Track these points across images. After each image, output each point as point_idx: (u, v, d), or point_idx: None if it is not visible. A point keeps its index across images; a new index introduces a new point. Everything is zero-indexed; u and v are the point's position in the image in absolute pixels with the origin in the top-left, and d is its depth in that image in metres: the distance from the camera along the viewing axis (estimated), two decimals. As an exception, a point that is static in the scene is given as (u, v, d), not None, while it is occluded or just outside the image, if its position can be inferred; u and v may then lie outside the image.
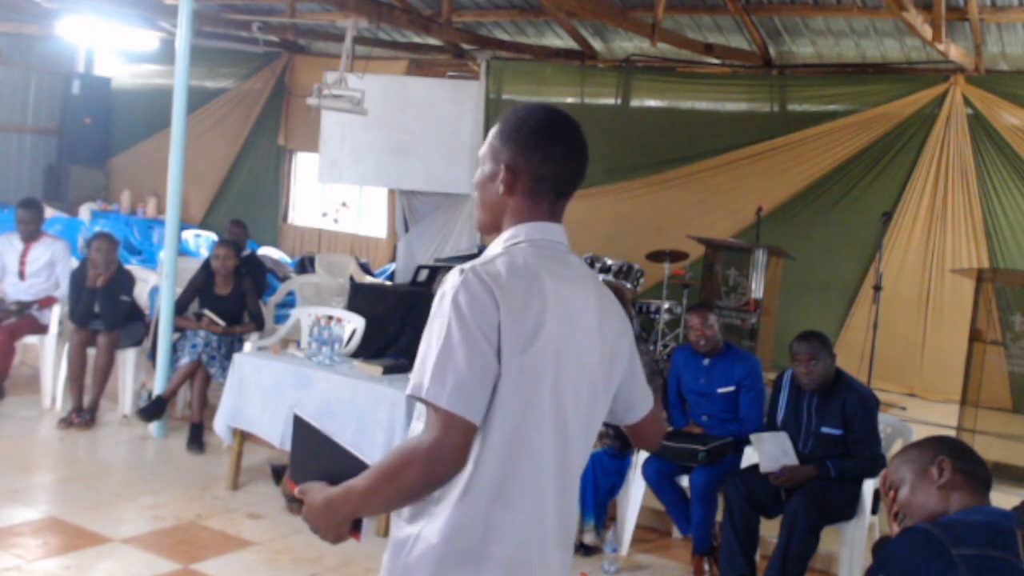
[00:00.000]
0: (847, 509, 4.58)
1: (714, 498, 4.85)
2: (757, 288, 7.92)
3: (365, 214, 13.30)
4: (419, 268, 8.96)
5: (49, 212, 10.33)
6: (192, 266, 7.28)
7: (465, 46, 11.19)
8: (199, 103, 12.87)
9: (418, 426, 1.90)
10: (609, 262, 8.68)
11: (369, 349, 6.05)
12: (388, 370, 5.13)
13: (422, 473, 1.74)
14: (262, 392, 5.27)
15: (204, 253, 10.67)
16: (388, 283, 10.33)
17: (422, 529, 1.84)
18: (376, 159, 10.80)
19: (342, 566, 4.55)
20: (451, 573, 1.82)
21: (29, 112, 14.22)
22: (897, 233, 8.83)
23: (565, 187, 1.97)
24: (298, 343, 6.09)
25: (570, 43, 10.77)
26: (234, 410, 5.38)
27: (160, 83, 13.31)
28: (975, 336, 6.45)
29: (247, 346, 5.89)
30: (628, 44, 10.62)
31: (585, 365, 1.93)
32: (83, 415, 6.31)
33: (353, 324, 6.38)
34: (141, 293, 7.15)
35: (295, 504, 5.16)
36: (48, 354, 6.67)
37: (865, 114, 9.20)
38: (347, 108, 8.91)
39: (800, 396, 4.73)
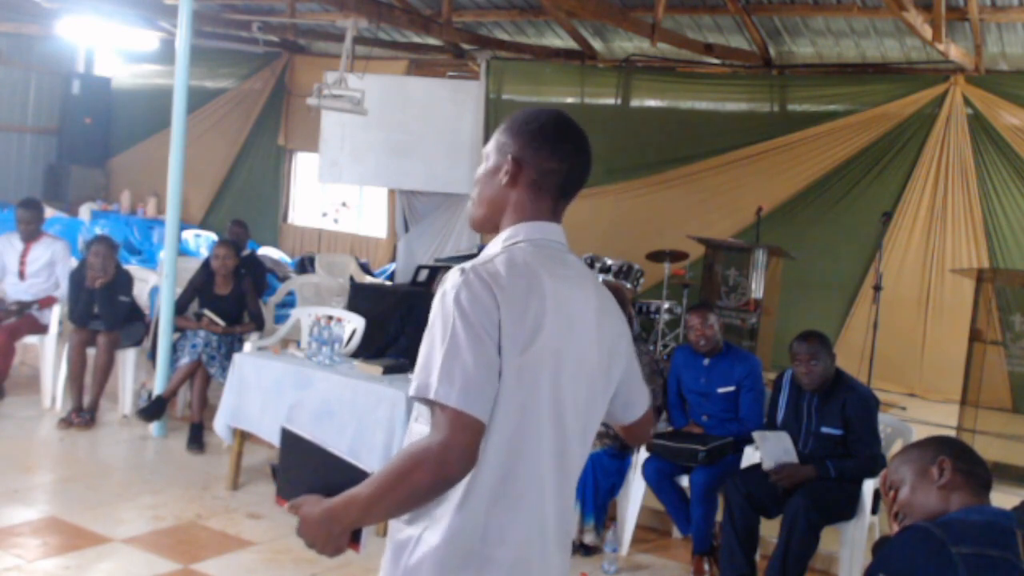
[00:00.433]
0: (847, 509, 4.58)
1: (714, 498, 4.85)
2: (757, 288, 7.92)
3: (365, 214, 13.30)
4: (419, 268, 8.96)
5: (49, 212, 10.33)
6: (192, 266, 7.28)
7: (465, 46, 11.19)
8: (199, 103, 12.87)
9: (417, 427, 1.88)
10: (609, 262, 8.68)
11: (369, 349, 6.05)
12: (388, 370, 5.13)
13: (432, 475, 1.72)
14: (262, 392, 5.27)
15: (204, 253, 10.67)
16: (388, 283, 10.33)
17: (423, 531, 1.83)
18: (376, 159, 10.81)
19: (342, 566, 4.55)
20: (454, 575, 1.81)
21: (29, 112, 14.22)
22: (897, 233, 8.82)
23: (568, 185, 1.97)
24: (298, 343, 6.09)
25: (570, 43, 10.77)
26: (234, 410, 5.38)
27: (160, 83, 13.31)
28: (975, 336, 6.45)
29: (247, 346, 5.89)
30: (628, 44, 10.62)
31: (584, 365, 1.93)
32: (83, 415, 6.31)
33: (353, 324, 6.39)
34: (141, 293, 7.15)
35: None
36: (48, 354, 6.67)
37: (865, 114, 9.20)
38: (347, 108, 8.91)
39: (800, 396, 4.73)
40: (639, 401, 2.15)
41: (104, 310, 6.43)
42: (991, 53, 8.83)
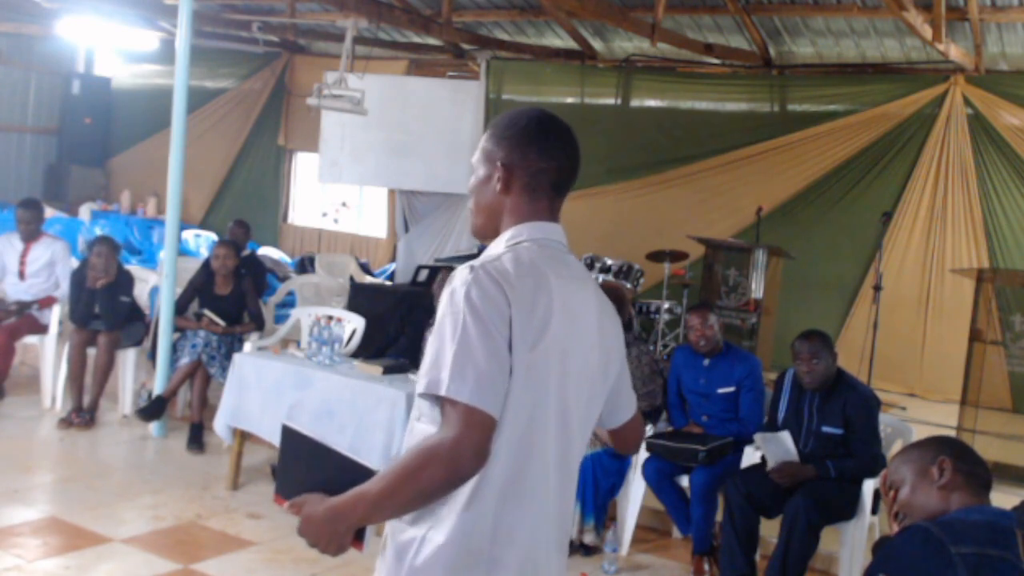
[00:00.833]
0: (847, 509, 4.58)
1: (714, 498, 4.85)
2: (757, 288, 7.91)
3: (365, 214, 13.30)
4: (419, 268, 8.96)
5: (49, 212, 10.33)
6: (192, 266, 7.28)
7: (465, 46, 11.19)
8: (199, 103, 12.86)
9: (419, 426, 1.87)
10: (609, 262, 8.68)
11: (369, 349, 6.05)
12: (388, 370, 5.13)
13: (445, 472, 1.70)
14: (262, 392, 5.27)
15: (204, 253, 10.67)
16: (388, 283, 10.33)
17: (427, 531, 1.82)
18: (376, 159, 10.81)
19: (342, 566, 4.55)
20: (463, 575, 1.80)
21: (29, 112, 14.22)
22: (897, 233, 8.82)
23: (561, 182, 1.97)
24: (298, 343, 6.09)
25: (570, 43, 10.77)
26: (234, 410, 5.38)
27: (160, 83, 13.30)
28: (975, 336, 6.45)
29: (247, 346, 5.89)
30: (628, 44, 10.62)
31: (587, 365, 1.94)
32: (83, 415, 6.31)
33: (353, 324, 6.38)
34: (141, 293, 7.15)
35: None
36: (48, 354, 6.67)
37: (865, 114, 9.20)
38: (347, 108, 8.91)
39: (801, 395, 4.73)
40: (626, 406, 2.14)
41: (105, 310, 6.43)
42: (991, 53, 8.83)
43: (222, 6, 11.63)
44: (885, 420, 4.98)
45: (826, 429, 4.62)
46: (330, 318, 5.59)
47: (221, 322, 6.47)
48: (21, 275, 6.84)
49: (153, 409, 6.16)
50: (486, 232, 2.00)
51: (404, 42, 11.61)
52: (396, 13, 9.43)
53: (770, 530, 4.66)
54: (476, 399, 1.71)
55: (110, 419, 6.56)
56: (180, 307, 6.52)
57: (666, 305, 8.69)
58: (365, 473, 1.83)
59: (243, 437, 5.47)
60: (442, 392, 1.73)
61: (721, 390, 5.19)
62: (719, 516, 4.80)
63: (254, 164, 13.48)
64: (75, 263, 6.98)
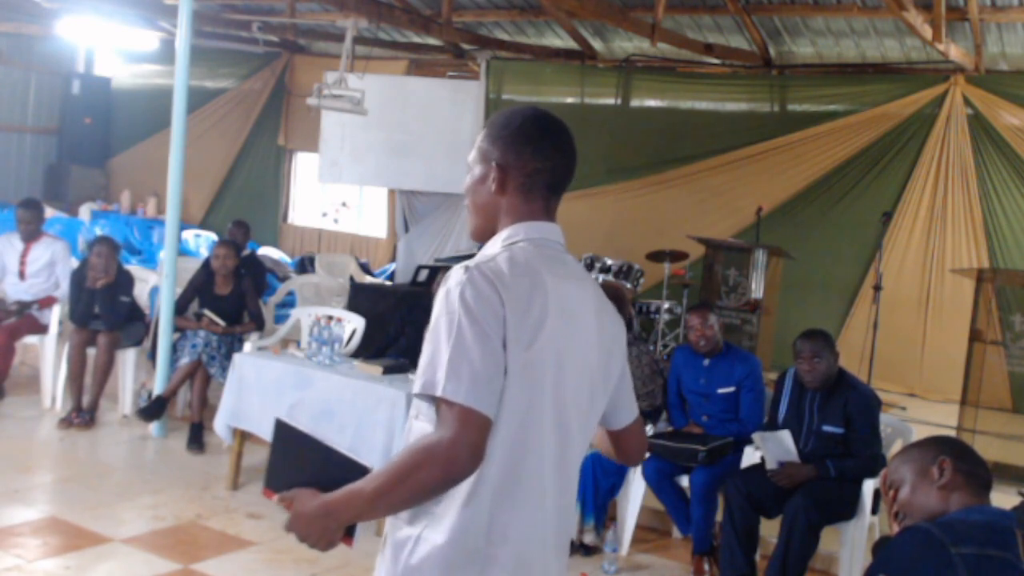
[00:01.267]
0: (847, 509, 4.58)
1: (714, 498, 4.85)
2: (757, 288, 7.91)
3: (365, 214, 13.30)
4: (419, 268, 8.96)
5: (49, 212, 10.33)
6: (192, 266, 7.28)
7: (465, 46, 11.19)
8: (199, 103, 12.86)
9: (417, 424, 1.88)
10: (609, 262, 8.68)
11: (369, 349, 6.05)
12: (388, 370, 5.13)
13: (441, 471, 1.70)
14: (262, 392, 5.27)
15: (204, 253, 10.67)
16: (388, 283, 10.33)
17: (423, 530, 1.82)
18: (376, 159, 10.81)
19: (342, 566, 4.55)
20: (457, 574, 1.80)
21: (29, 112, 14.22)
22: (897, 233, 8.82)
23: (557, 182, 1.97)
24: (298, 343, 6.09)
25: (570, 43, 10.77)
26: (234, 410, 5.38)
27: (160, 83, 13.31)
28: (975, 336, 6.45)
29: (247, 346, 5.89)
30: (628, 44, 10.62)
31: (585, 364, 1.93)
32: (83, 415, 6.31)
33: (353, 324, 6.38)
34: (141, 293, 7.15)
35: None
36: (48, 354, 6.67)
37: (865, 114, 9.20)
38: (347, 108, 8.91)
39: (802, 394, 4.73)
40: (628, 408, 2.12)
41: (105, 310, 6.43)
42: (991, 53, 8.83)
43: (222, 6, 11.63)
44: (885, 420, 4.98)
45: (827, 428, 4.62)
46: (330, 318, 5.59)
47: (221, 322, 6.47)
48: (21, 275, 6.84)
49: (153, 409, 6.16)
50: (484, 232, 2.00)
51: (404, 42, 11.61)
52: (396, 13, 9.43)
53: (770, 530, 4.66)
54: (472, 399, 1.72)
55: (110, 419, 6.56)
56: (180, 307, 6.52)
57: (666, 305, 8.69)
58: (359, 470, 1.83)
59: (243, 437, 5.47)
60: (438, 393, 1.73)
61: (721, 390, 5.18)
62: (719, 516, 4.80)
63: (254, 164, 13.48)
64: (75, 263, 6.97)
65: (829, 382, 4.65)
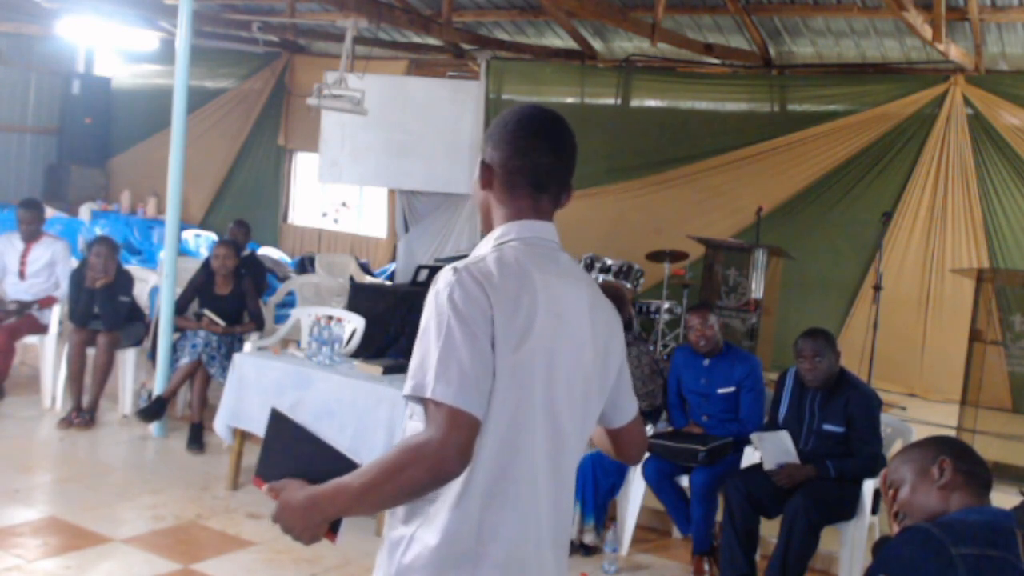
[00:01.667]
0: (847, 509, 4.58)
1: (714, 498, 4.85)
2: (757, 288, 7.91)
3: (365, 214, 13.30)
4: (419, 268, 8.95)
5: (49, 212, 10.32)
6: (192, 266, 7.28)
7: (465, 46, 11.19)
8: (199, 103, 12.87)
9: (412, 424, 1.88)
10: (609, 262, 8.68)
11: (369, 349, 6.05)
12: (388, 370, 5.13)
13: (429, 471, 1.71)
14: (262, 392, 5.27)
15: (204, 253, 10.67)
16: (388, 283, 10.32)
17: (416, 530, 1.83)
18: (376, 159, 10.80)
19: (342, 566, 4.55)
20: (449, 574, 1.81)
21: (29, 112, 14.22)
22: (897, 233, 8.83)
23: (541, 180, 1.96)
24: (298, 343, 6.09)
25: (570, 43, 10.77)
26: (234, 410, 5.38)
27: (160, 83, 13.31)
28: (975, 336, 6.45)
29: (247, 346, 5.89)
30: (628, 44, 10.62)
31: (578, 364, 1.93)
32: (83, 415, 6.31)
33: (353, 324, 6.38)
34: (141, 293, 7.15)
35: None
36: (48, 354, 6.67)
37: (865, 114, 9.20)
38: (347, 108, 8.91)
39: (803, 394, 4.73)
40: (626, 407, 2.11)
41: (104, 310, 6.43)
42: (991, 53, 8.83)
43: (222, 6, 11.63)
44: (885, 420, 4.98)
45: (827, 427, 4.62)
46: (330, 318, 5.59)
47: (221, 322, 6.47)
48: (21, 275, 6.84)
49: (153, 409, 6.16)
50: (486, 229, 2.03)
51: (404, 42, 11.61)
52: (396, 13, 9.43)
53: (770, 530, 4.66)
54: (460, 401, 1.73)
55: (110, 419, 6.56)
56: (180, 307, 6.51)
57: (666, 305, 8.69)
58: (348, 465, 1.83)
59: (243, 437, 5.46)
60: (427, 395, 1.74)
61: (721, 390, 5.18)
62: (719, 516, 4.80)
63: (254, 164, 13.48)
64: (75, 263, 6.97)
65: (830, 381, 4.65)
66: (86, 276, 6.44)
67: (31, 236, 6.89)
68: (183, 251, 10.34)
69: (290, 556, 4.61)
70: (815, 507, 4.36)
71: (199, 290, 6.67)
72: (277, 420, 2.00)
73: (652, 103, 10.66)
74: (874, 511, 4.71)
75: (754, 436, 4.74)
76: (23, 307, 6.72)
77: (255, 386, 5.32)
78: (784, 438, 4.65)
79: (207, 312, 6.50)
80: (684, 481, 4.99)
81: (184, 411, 6.63)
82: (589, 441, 2.11)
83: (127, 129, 14.38)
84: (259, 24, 10.65)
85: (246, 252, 7.81)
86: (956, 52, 8.26)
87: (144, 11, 10.90)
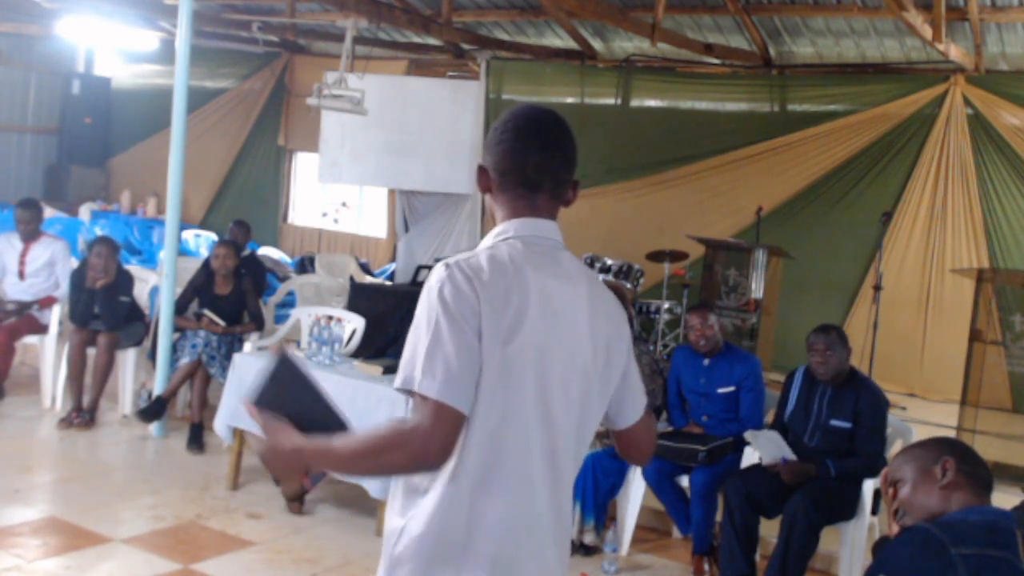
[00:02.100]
0: (847, 509, 4.59)
1: (714, 498, 4.85)
2: (757, 288, 7.91)
3: (365, 214, 13.30)
4: (419, 268, 8.96)
5: (49, 212, 10.34)
6: (192, 266, 7.28)
7: (465, 46, 11.19)
8: (199, 103, 12.87)
9: None
10: (609, 262, 8.68)
11: (369, 349, 6.04)
12: (388, 370, 5.13)
13: (409, 459, 1.78)
14: (262, 392, 5.26)
15: (204, 253, 10.67)
16: (388, 283, 10.33)
17: (408, 521, 1.86)
18: (376, 159, 10.80)
19: (342, 566, 4.55)
20: (434, 567, 1.83)
21: (29, 112, 14.22)
22: (897, 233, 8.82)
23: (532, 179, 1.97)
24: (298, 343, 6.09)
25: (570, 43, 10.77)
26: (234, 410, 5.37)
27: (160, 83, 13.31)
28: (975, 336, 6.45)
29: (247, 346, 5.89)
30: (628, 44, 10.62)
31: (574, 361, 1.92)
32: (83, 415, 6.31)
33: (353, 324, 6.38)
34: (141, 293, 7.15)
35: (295, 503, 5.16)
36: (48, 354, 6.67)
37: (865, 114, 9.20)
38: (347, 108, 8.91)
39: (813, 389, 4.75)
40: (631, 407, 2.10)
41: (104, 310, 6.43)
42: (991, 53, 8.83)
43: (222, 6, 11.63)
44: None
45: (834, 423, 4.64)
46: (330, 318, 5.59)
47: (221, 322, 6.47)
48: (21, 275, 6.84)
49: (153, 409, 6.16)
50: None
51: (404, 42, 11.61)
52: (396, 13, 9.43)
53: (770, 530, 4.66)
54: (444, 395, 1.77)
55: (110, 419, 6.56)
56: (180, 307, 6.51)
57: (666, 305, 8.69)
58: (338, 423, 1.92)
59: (243, 437, 5.46)
60: (414, 388, 1.79)
61: (721, 390, 5.19)
62: (719, 516, 4.80)
63: (254, 164, 13.48)
64: (75, 263, 6.97)
65: (841, 376, 4.69)
66: (86, 276, 6.43)
67: (30, 236, 6.89)
68: (183, 251, 10.34)
69: (290, 556, 4.61)
70: (815, 507, 4.36)
71: (199, 290, 6.66)
72: (284, 363, 2.04)
73: (652, 103, 10.66)
74: (874, 511, 4.71)
75: (748, 434, 4.77)
76: (23, 307, 6.72)
77: (255, 386, 5.31)
78: (775, 437, 4.67)
79: (207, 312, 6.50)
80: (684, 481, 4.99)
81: (184, 411, 6.63)
82: (593, 441, 2.11)
83: (127, 129, 14.38)
84: (259, 24, 10.65)
85: (246, 252, 7.81)
86: (956, 52, 8.26)
87: (144, 11, 10.90)
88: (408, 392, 1.81)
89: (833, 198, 9.30)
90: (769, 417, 5.31)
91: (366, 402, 4.89)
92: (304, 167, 13.41)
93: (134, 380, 6.68)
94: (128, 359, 6.64)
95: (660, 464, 4.97)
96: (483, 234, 11.27)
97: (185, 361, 6.24)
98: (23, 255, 6.86)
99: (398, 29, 11.17)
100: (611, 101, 10.61)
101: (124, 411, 6.65)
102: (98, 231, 10.89)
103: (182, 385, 6.35)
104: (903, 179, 8.98)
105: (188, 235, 11.54)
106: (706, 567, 4.82)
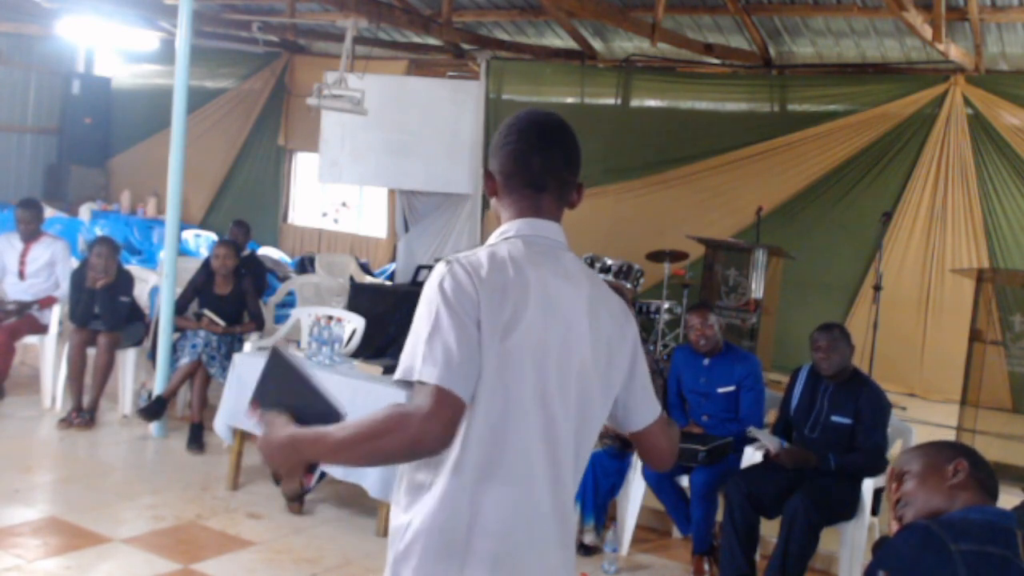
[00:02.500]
0: (847, 509, 4.59)
1: (714, 498, 4.85)
2: (757, 288, 7.91)
3: (365, 214, 13.30)
4: (419, 268, 8.96)
5: (49, 212, 10.32)
6: (192, 266, 7.28)
7: (465, 46, 11.19)
8: (199, 103, 12.86)
9: None
10: (609, 262, 8.68)
11: (369, 349, 6.04)
12: (388, 370, 5.12)
13: (408, 441, 1.76)
14: (262, 392, 5.26)
15: (204, 253, 10.66)
16: (388, 283, 10.33)
17: (412, 518, 1.86)
18: (376, 159, 10.80)
19: (342, 566, 4.55)
20: (438, 561, 1.83)
21: (29, 112, 14.22)
22: (897, 233, 8.82)
23: (537, 181, 1.99)
24: (298, 343, 6.09)
25: (570, 43, 10.77)
26: (234, 410, 5.37)
27: (160, 83, 13.31)
28: (975, 336, 6.45)
29: (247, 346, 5.89)
30: (628, 44, 10.62)
31: (572, 360, 1.92)
32: (83, 415, 6.31)
33: (353, 324, 6.38)
34: (141, 293, 7.15)
35: (295, 503, 5.16)
36: (48, 354, 6.67)
37: (865, 114, 9.20)
38: (347, 108, 8.91)
39: (816, 385, 4.79)
40: (642, 409, 2.08)
41: (105, 310, 6.43)
42: (991, 53, 8.83)
43: (222, 6, 11.63)
44: (885, 420, 5.00)
45: (835, 418, 4.68)
46: (330, 318, 5.59)
47: (221, 322, 6.47)
48: (21, 275, 6.84)
49: (153, 409, 6.16)
50: None
51: (404, 42, 11.61)
52: (396, 13, 9.43)
53: (770, 530, 4.67)
54: (446, 380, 1.78)
55: (110, 419, 6.56)
56: (180, 307, 6.51)
57: (666, 305, 8.69)
58: (335, 415, 1.93)
59: (243, 437, 5.46)
60: (415, 377, 1.80)
61: (721, 390, 5.19)
62: (719, 516, 4.80)
63: (254, 164, 13.48)
64: (75, 263, 6.97)
65: (845, 373, 4.74)
66: (86, 276, 6.43)
67: (30, 236, 6.89)
68: (183, 251, 10.34)
69: (290, 556, 4.61)
70: (815, 507, 4.37)
71: (199, 290, 6.67)
72: (276, 358, 2.07)
73: (652, 103, 10.66)
74: (874, 511, 4.72)
75: (752, 430, 4.82)
76: (23, 307, 6.71)
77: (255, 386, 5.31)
78: (773, 438, 4.74)
79: (207, 312, 6.50)
80: (684, 481, 4.99)
81: (184, 411, 6.63)
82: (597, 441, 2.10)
83: (127, 129, 14.38)
84: (259, 24, 10.65)
85: (246, 252, 7.81)
86: (956, 52, 8.26)
87: (144, 11, 10.90)
88: (408, 383, 1.82)
89: (833, 198, 9.30)
90: (770, 417, 5.32)
91: (366, 402, 4.88)
92: (304, 167, 13.41)
93: (134, 380, 6.68)
94: (128, 359, 6.64)
95: (660, 464, 4.97)
96: (483, 234, 11.29)
97: (185, 361, 6.24)
98: (23, 255, 6.86)
99: (398, 29, 11.17)
100: (611, 101, 10.61)
101: (124, 411, 6.65)
102: (98, 231, 10.88)
103: (182, 385, 6.35)
104: (903, 179, 8.98)
105: (188, 235, 11.53)
106: (706, 567, 4.82)
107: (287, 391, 2.01)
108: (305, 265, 10.82)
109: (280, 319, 7.80)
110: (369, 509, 5.11)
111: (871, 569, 2.28)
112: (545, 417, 1.89)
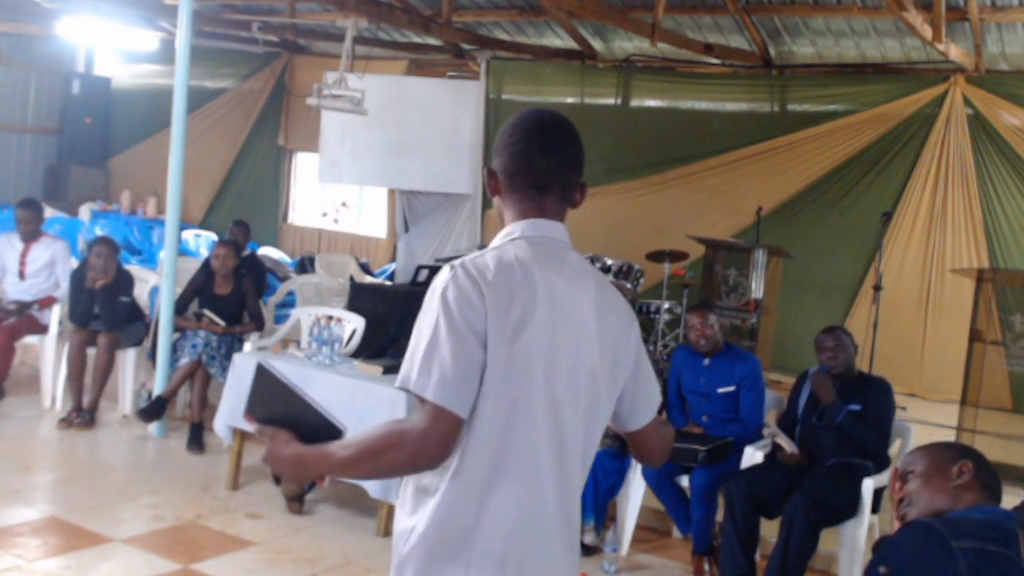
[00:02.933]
0: (847, 509, 4.59)
1: (714, 498, 4.85)
2: (757, 288, 7.91)
3: (365, 214, 13.30)
4: (419, 268, 8.95)
5: (49, 212, 10.32)
6: (192, 266, 7.28)
7: (465, 46, 11.19)
8: (199, 103, 12.86)
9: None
10: (609, 262, 8.68)
11: (369, 349, 6.04)
12: (388, 370, 5.13)
13: (408, 458, 1.80)
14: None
15: (204, 253, 10.67)
16: (388, 283, 10.32)
17: (417, 521, 1.87)
18: (376, 159, 10.81)
19: (342, 566, 4.55)
20: (441, 564, 1.83)
21: (29, 112, 14.22)
22: (897, 233, 8.82)
23: (541, 181, 1.99)
24: (298, 343, 6.09)
25: (570, 43, 10.77)
26: (234, 410, 5.37)
27: (160, 83, 13.31)
28: (975, 336, 6.45)
29: (247, 346, 5.89)
30: (628, 44, 10.62)
31: (582, 361, 1.93)
32: (83, 415, 6.31)
33: (353, 324, 6.38)
34: (141, 293, 7.15)
35: (295, 503, 5.16)
36: (48, 354, 6.67)
37: (865, 114, 9.20)
38: (347, 108, 8.91)
39: None
40: (643, 410, 2.10)
41: (104, 310, 6.43)
42: (991, 53, 8.83)
43: (222, 6, 11.63)
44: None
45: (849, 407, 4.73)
46: (330, 318, 5.59)
47: (221, 322, 6.47)
48: (21, 275, 6.84)
49: (153, 409, 6.16)
50: None
51: (404, 42, 11.61)
52: (396, 13, 9.43)
53: (770, 530, 4.66)
54: (439, 397, 1.79)
55: (110, 419, 6.56)
56: (180, 307, 6.51)
57: (666, 305, 8.69)
58: (331, 429, 1.94)
59: (243, 437, 5.46)
60: (410, 387, 1.82)
61: (721, 390, 5.19)
62: (719, 516, 4.80)
63: (254, 164, 13.47)
64: (75, 263, 6.97)
65: (851, 372, 4.85)
66: (86, 276, 6.43)
67: (30, 236, 6.89)
68: (183, 251, 10.34)
69: (290, 556, 4.61)
70: (815, 507, 4.37)
71: (199, 290, 6.66)
72: (262, 374, 2.06)
73: (652, 103, 10.66)
74: (874, 511, 4.72)
75: (769, 426, 4.96)
76: (23, 307, 6.71)
77: (255, 386, 5.31)
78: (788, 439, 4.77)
79: (207, 312, 6.50)
80: (684, 481, 4.99)
81: (184, 411, 6.63)
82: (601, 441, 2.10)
83: (127, 129, 14.38)
84: (259, 24, 10.65)
85: (246, 252, 7.81)
86: (956, 52, 8.26)
87: (144, 11, 10.90)
88: (406, 391, 1.84)
89: (833, 198, 9.30)
90: (771, 417, 5.32)
91: (366, 402, 4.89)
92: (304, 167, 13.41)
93: (134, 380, 6.67)
94: (128, 359, 6.64)
95: (660, 464, 4.98)
96: (483, 234, 11.30)
97: (185, 361, 6.24)
98: (23, 255, 6.86)
99: (398, 29, 11.17)
100: (611, 101, 10.61)
101: (124, 411, 6.65)
102: (98, 231, 10.89)
103: (182, 385, 6.35)
104: (903, 179, 8.98)
105: (188, 235, 11.54)
106: (706, 567, 4.82)
107: (279, 405, 2.00)
108: (305, 265, 10.82)
109: (280, 319, 7.80)
110: (369, 509, 5.11)
111: (873, 564, 2.28)
112: (554, 418, 1.89)
